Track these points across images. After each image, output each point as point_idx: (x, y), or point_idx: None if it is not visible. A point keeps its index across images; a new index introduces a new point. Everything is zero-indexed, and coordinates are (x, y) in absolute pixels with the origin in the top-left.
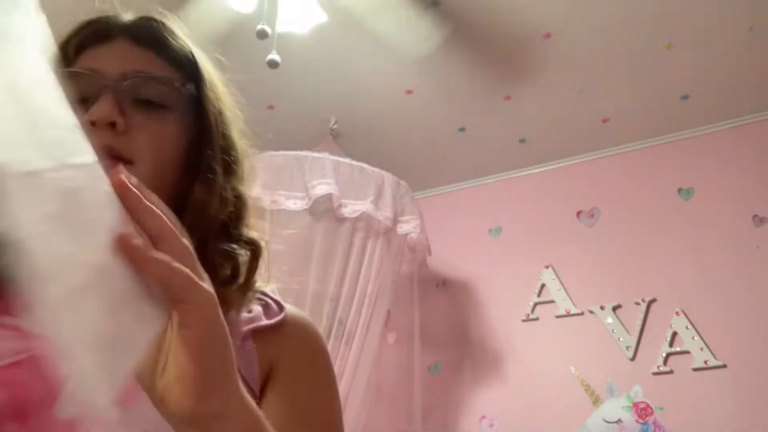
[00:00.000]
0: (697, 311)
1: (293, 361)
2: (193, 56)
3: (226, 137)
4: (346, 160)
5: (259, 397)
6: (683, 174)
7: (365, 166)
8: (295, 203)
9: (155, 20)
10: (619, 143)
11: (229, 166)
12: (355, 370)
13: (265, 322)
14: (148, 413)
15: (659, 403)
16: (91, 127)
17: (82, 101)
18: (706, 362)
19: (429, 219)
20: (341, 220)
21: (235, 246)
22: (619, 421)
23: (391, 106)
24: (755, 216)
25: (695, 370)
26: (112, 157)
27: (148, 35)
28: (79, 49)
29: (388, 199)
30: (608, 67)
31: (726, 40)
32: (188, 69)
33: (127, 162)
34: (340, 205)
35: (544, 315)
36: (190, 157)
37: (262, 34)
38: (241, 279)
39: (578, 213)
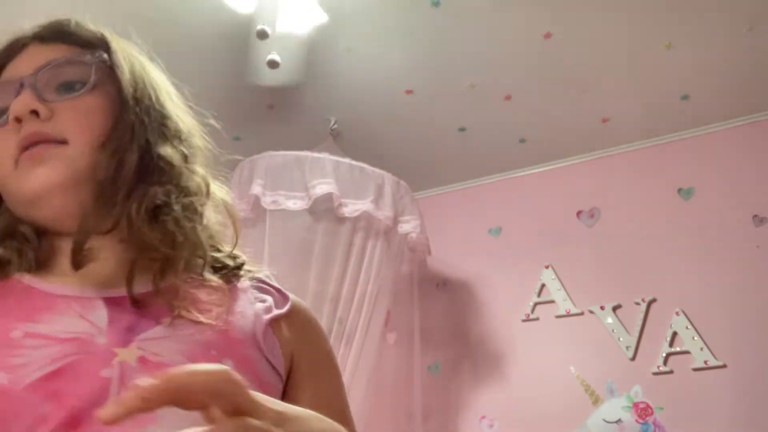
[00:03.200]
0: (697, 311)
1: (310, 351)
2: (101, 34)
3: (150, 100)
4: (346, 160)
5: (285, 383)
6: (683, 174)
7: (365, 166)
8: (295, 203)
9: (64, 19)
10: (619, 143)
11: (145, 126)
12: (355, 370)
13: (280, 311)
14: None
15: (659, 403)
16: (18, 124)
17: (3, 112)
18: (706, 362)
19: (429, 219)
20: (341, 219)
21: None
22: (619, 421)
23: (391, 106)
24: (755, 216)
25: (695, 370)
26: (44, 141)
27: (55, 31)
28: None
29: (388, 199)
30: (608, 67)
31: (726, 40)
32: (99, 46)
33: (61, 142)
34: (340, 205)
35: (544, 315)
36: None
37: (262, 34)
38: (180, 241)
39: (578, 213)
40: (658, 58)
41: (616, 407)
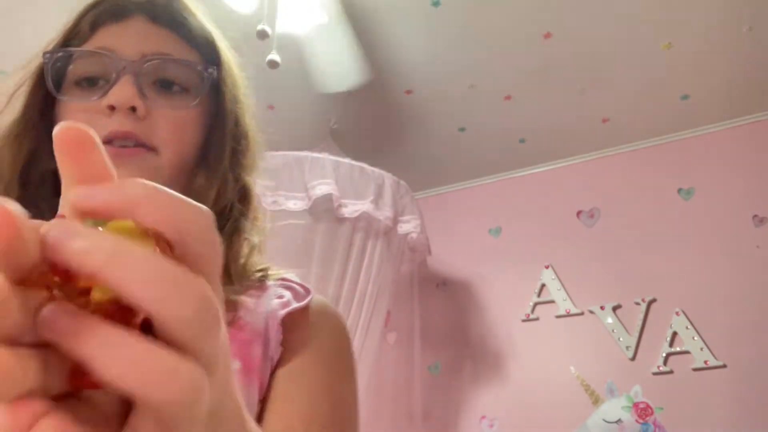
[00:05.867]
0: (697, 311)
1: (317, 347)
2: (212, 37)
3: (238, 124)
4: (346, 160)
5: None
6: (683, 174)
7: (365, 166)
8: (295, 203)
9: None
10: (619, 143)
11: (237, 154)
12: None
13: (296, 304)
14: None
15: (659, 403)
16: (110, 111)
17: (93, 81)
18: (706, 362)
19: (429, 219)
20: (341, 220)
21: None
22: (619, 421)
23: (391, 106)
24: (755, 216)
25: (695, 370)
26: (135, 143)
27: (167, 14)
28: (94, 25)
29: (388, 199)
30: (608, 67)
31: (726, 40)
32: (207, 50)
33: (151, 150)
34: (340, 205)
35: (544, 315)
36: (208, 143)
37: (262, 34)
38: (238, 268)
39: (578, 213)
40: (658, 58)
41: (616, 407)
